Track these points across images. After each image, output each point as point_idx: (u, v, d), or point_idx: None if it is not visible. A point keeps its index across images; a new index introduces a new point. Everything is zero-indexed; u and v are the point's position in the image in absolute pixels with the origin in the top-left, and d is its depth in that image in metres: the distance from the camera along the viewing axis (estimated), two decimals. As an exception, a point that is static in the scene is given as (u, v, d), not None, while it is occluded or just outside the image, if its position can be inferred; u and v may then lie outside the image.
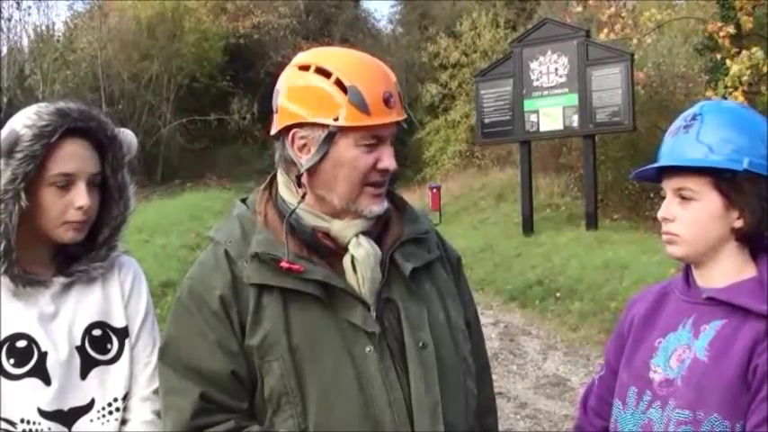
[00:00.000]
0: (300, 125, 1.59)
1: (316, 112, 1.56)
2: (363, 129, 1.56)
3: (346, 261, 1.62)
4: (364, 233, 1.64)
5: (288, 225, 1.61)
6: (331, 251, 1.63)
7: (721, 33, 11.55)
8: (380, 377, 1.57)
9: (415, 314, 1.65)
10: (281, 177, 1.69)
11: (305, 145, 1.60)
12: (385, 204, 1.66)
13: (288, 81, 1.62)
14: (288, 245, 1.58)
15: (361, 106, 1.54)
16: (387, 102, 1.57)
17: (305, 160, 1.60)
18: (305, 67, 1.60)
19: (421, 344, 1.62)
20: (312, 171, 1.60)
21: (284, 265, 1.56)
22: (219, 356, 1.57)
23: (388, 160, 1.60)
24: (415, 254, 1.70)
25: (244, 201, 1.74)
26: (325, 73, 1.57)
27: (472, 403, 1.72)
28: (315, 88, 1.57)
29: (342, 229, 1.62)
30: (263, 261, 1.58)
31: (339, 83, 1.55)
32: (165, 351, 1.65)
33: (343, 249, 1.63)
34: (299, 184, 1.62)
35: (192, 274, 1.66)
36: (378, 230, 1.68)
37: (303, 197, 1.62)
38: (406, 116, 1.64)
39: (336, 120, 1.55)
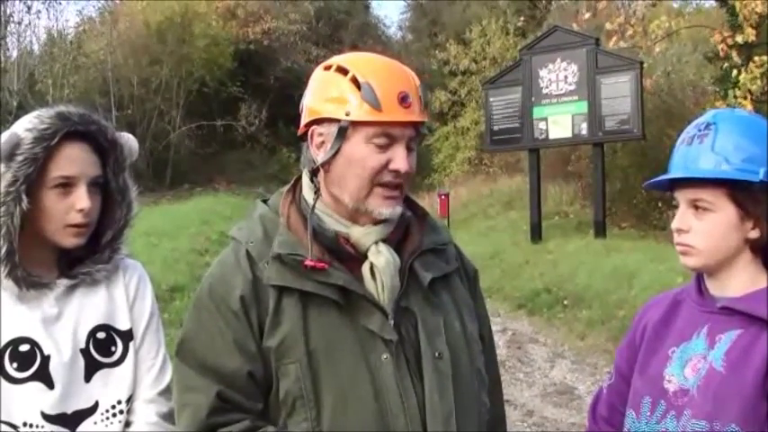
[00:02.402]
0: (318, 122, 1.61)
1: (330, 107, 1.59)
2: (374, 124, 1.57)
3: (365, 268, 1.61)
4: (384, 240, 1.63)
5: (311, 227, 1.61)
6: (351, 256, 1.62)
7: (721, 46, 11.45)
8: (396, 385, 1.57)
9: (432, 324, 1.64)
10: (305, 179, 1.70)
11: (322, 142, 1.62)
12: (398, 209, 1.64)
13: (312, 81, 1.67)
14: (311, 247, 1.58)
15: (373, 102, 1.56)
16: (402, 101, 1.58)
17: (320, 157, 1.61)
18: (328, 67, 1.65)
19: (437, 354, 1.61)
20: (327, 168, 1.61)
21: (309, 263, 1.56)
22: (237, 356, 1.57)
23: (399, 161, 1.59)
24: (433, 264, 1.69)
25: (265, 201, 1.74)
26: (343, 71, 1.61)
27: (485, 415, 1.72)
28: (331, 85, 1.61)
29: (361, 236, 1.62)
30: (284, 263, 1.58)
31: (354, 80, 1.58)
32: (181, 348, 1.64)
33: (363, 256, 1.62)
34: (313, 180, 1.63)
35: (213, 272, 1.66)
36: (397, 238, 1.67)
37: (317, 192, 1.63)
38: (425, 119, 1.64)
39: (348, 114, 1.57)
